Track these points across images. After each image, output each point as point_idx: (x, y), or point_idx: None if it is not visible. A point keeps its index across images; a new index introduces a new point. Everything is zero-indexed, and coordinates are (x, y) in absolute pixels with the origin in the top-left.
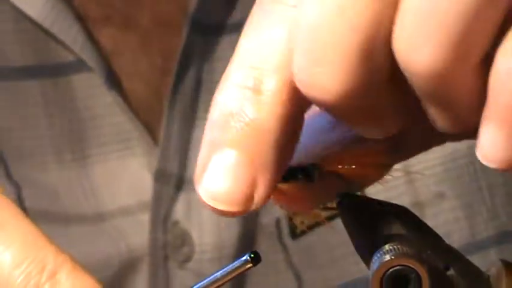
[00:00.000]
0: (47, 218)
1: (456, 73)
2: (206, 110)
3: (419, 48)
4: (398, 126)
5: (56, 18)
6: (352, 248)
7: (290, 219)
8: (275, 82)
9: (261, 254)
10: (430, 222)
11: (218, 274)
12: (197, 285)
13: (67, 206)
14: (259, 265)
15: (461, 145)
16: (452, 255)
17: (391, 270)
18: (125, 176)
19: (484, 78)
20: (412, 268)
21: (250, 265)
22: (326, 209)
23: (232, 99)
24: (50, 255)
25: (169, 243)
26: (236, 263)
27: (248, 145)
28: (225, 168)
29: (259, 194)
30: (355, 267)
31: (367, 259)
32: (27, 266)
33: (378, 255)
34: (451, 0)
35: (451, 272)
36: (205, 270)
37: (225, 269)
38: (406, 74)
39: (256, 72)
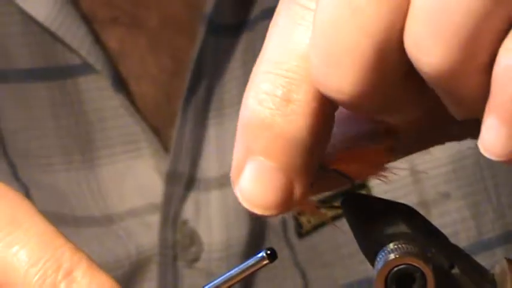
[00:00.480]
0: (56, 219)
1: (466, 71)
2: (218, 109)
3: (428, 48)
4: (418, 112)
5: (62, 22)
6: (358, 247)
7: (296, 218)
8: (304, 92)
9: None
10: (436, 222)
11: (233, 271)
12: (213, 283)
13: (75, 208)
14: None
15: (468, 145)
16: (456, 254)
17: (395, 269)
18: (132, 177)
19: None
20: (416, 267)
21: (266, 261)
22: (330, 207)
23: (263, 108)
24: (66, 253)
25: (178, 243)
26: (252, 260)
27: (281, 155)
28: (260, 175)
29: (295, 196)
30: (361, 266)
31: (371, 258)
32: (43, 264)
33: (383, 254)
34: (459, 1)
35: (455, 270)
36: (214, 269)
37: (241, 266)
38: (418, 71)
39: (285, 81)
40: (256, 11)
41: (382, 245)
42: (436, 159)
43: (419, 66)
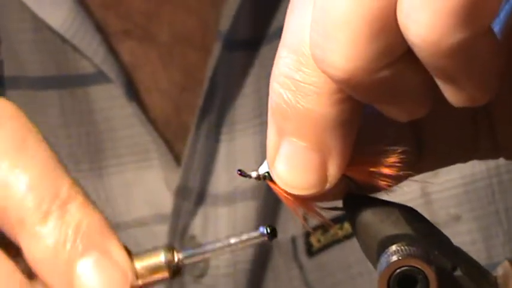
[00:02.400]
0: None
1: (457, 43)
2: (230, 124)
3: (417, 18)
4: (421, 110)
5: (77, 30)
6: (369, 266)
7: (306, 237)
8: (319, 73)
9: (277, 272)
10: None
11: (232, 240)
12: (210, 246)
13: None
14: (274, 282)
15: (480, 168)
16: (459, 256)
17: (398, 271)
18: (141, 187)
19: (494, 46)
20: (419, 269)
21: (265, 238)
22: (332, 209)
23: (286, 90)
24: (65, 185)
25: None
26: (252, 234)
27: (312, 134)
28: (294, 156)
29: (331, 175)
30: (371, 285)
31: (374, 260)
32: (41, 191)
33: (385, 256)
34: None
35: (458, 272)
36: (220, 285)
37: (241, 237)
38: (412, 47)
39: (301, 64)
40: (272, 28)
41: (384, 246)
42: (448, 181)
43: (410, 37)
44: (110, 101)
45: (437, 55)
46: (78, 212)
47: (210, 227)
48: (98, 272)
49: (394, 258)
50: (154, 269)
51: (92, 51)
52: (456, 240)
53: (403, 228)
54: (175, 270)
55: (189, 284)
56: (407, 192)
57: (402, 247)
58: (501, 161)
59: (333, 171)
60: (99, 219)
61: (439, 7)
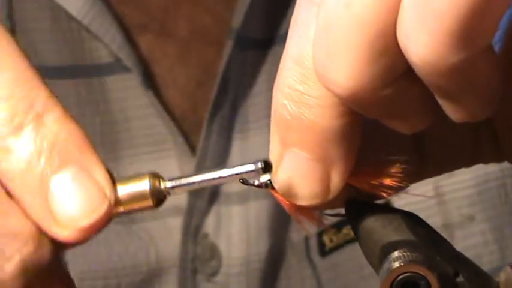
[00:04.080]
0: None
1: (456, 62)
2: (244, 123)
3: (417, 38)
4: (424, 123)
5: (94, 17)
6: None
7: (319, 236)
8: (320, 86)
9: (289, 271)
10: (460, 245)
11: (222, 173)
12: (198, 177)
13: None
14: (287, 281)
15: (493, 168)
16: (462, 262)
17: (400, 277)
18: None
19: (493, 64)
20: (421, 275)
21: (258, 173)
22: (334, 215)
23: (289, 102)
24: (41, 96)
25: (198, 256)
26: (245, 167)
27: (314, 146)
28: (296, 167)
29: (333, 185)
30: None
31: (376, 266)
32: (14, 102)
33: (387, 262)
34: None
35: (460, 278)
36: (232, 284)
37: (233, 170)
38: (412, 66)
39: (304, 76)
40: (284, 28)
41: (386, 253)
42: (461, 181)
43: (410, 57)
44: (126, 91)
45: (437, 74)
46: (54, 124)
47: (222, 226)
48: (74, 188)
49: (396, 264)
50: (138, 196)
51: (110, 38)
52: (469, 241)
53: (405, 234)
54: (160, 200)
55: (201, 282)
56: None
57: (404, 253)
58: None
59: (336, 182)
60: (78, 133)
61: (438, 28)
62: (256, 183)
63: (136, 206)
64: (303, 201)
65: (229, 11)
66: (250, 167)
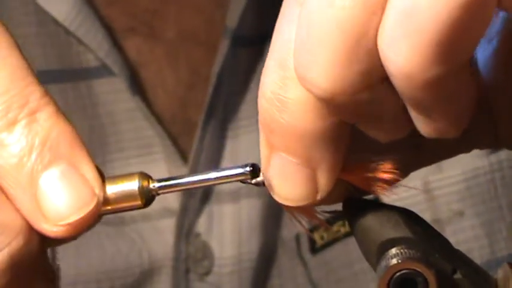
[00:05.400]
0: None
1: (434, 76)
2: (236, 121)
3: (397, 46)
4: (400, 132)
5: (81, 23)
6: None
7: (310, 234)
8: (300, 89)
9: (281, 269)
10: (450, 240)
11: (210, 175)
12: (187, 178)
13: None
14: (279, 279)
15: (482, 163)
16: (459, 259)
17: (398, 274)
18: None
19: (469, 83)
20: (419, 272)
21: (246, 177)
22: (332, 212)
23: (271, 106)
24: (35, 93)
25: (190, 256)
26: (233, 170)
27: (296, 149)
28: (283, 170)
29: (321, 187)
30: (373, 283)
31: (373, 263)
32: (9, 97)
33: (385, 259)
34: (430, 7)
35: (458, 275)
36: (225, 283)
37: (221, 172)
38: (389, 76)
39: (285, 80)
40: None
41: (384, 250)
42: (450, 176)
43: (388, 66)
44: (113, 94)
45: (413, 87)
46: (47, 121)
47: (214, 225)
48: (63, 185)
49: (394, 261)
50: (127, 195)
51: (96, 44)
52: (459, 237)
53: (402, 232)
54: (149, 199)
55: (194, 282)
56: (409, 189)
57: (402, 250)
58: (503, 155)
59: (323, 183)
60: (70, 131)
61: (420, 40)
62: (254, 181)
63: (124, 204)
64: (291, 203)
65: (219, 11)
66: (239, 170)
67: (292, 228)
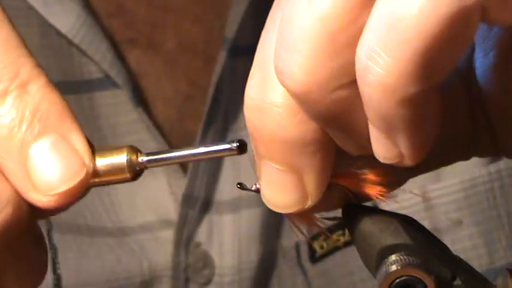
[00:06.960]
0: (72, 229)
1: (411, 93)
2: (235, 131)
3: (377, 58)
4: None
5: (85, 35)
6: (369, 273)
7: (310, 243)
8: (282, 94)
9: (281, 278)
10: None
11: (199, 149)
12: (176, 153)
13: (89, 220)
14: None
15: (481, 172)
16: (459, 265)
17: (397, 280)
18: (145, 193)
19: (438, 107)
20: (419, 278)
21: (234, 152)
22: (331, 219)
23: (254, 114)
24: (27, 65)
25: (190, 266)
26: (221, 146)
27: (279, 157)
28: (271, 178)
29: (311, 192)
30: None
31: (373, 269)
32: (1, 69)
33: (384, 265)
34: (414, 22)
35: (457, 282)
36: None
37: (209, 147)
38: (360, 87)
39: (266, 85)
40: None
41: (384, 256)
42: (448, 186)
43: (365, 77)
44: (115, 106)
45: (389, 102)
46: (38, 93)
47: (215, 235)
48: (53, 155)
49: (394, 267)
50: (115, 168)
51: (100, 56)
52: (458, 246)
53: (402, 238)
54: (137, 173)
55: None
56: (408, 198)
57: (401, 257)
58: (502, 165)
59: (312, 188)
60: (60, 102)
61: (402, 54)
62: (253, 188)
63: (113, 177)
64: (282, 210)
65: (217, 22)
66: (226, 145)
67: (292, 238)
